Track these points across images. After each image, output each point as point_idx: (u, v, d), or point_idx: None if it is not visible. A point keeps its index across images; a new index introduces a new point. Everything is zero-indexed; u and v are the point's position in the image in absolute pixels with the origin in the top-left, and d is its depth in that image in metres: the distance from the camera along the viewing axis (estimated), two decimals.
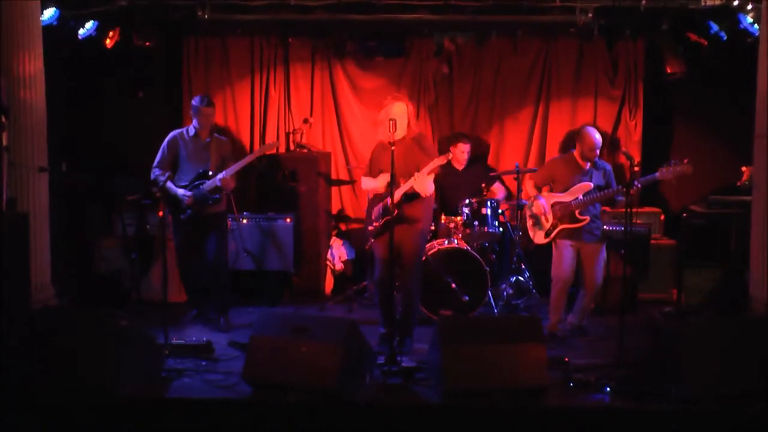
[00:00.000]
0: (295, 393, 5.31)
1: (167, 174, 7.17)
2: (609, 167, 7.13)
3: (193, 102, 7.39)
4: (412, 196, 6.44)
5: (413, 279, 6.61)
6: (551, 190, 7.16)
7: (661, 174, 6.49)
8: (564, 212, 6.92)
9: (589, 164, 6.97)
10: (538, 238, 7.12)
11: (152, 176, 7.29)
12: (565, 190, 6.97)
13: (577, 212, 6.87)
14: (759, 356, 5.26)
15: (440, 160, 6.35)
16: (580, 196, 6.87)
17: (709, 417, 5.14)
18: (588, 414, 5.35)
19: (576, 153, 7.04)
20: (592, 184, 6.89)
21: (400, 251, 6.49)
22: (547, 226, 7.02)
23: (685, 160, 6.40)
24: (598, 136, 6.92)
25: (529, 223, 7.21)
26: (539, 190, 7.22)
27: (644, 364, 5.86)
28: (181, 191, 7.20)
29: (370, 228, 6.66)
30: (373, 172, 6.69)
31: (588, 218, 6.87)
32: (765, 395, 5.15)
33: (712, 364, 5.26)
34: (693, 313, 7.46)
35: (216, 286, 7.40)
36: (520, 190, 7.67)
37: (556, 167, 7.20)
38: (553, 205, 6.99)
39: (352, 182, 9.11)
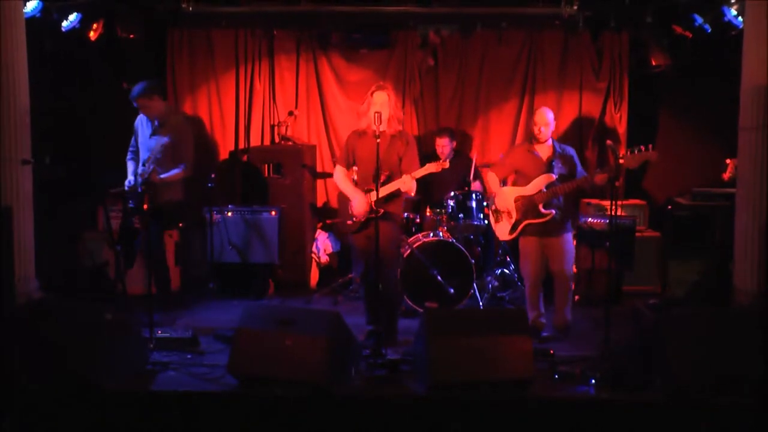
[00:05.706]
0: (281, 386, 5.31)
1: (151, 167, 6.84)
2: (571, 151, 6.95)
3: None
4: (392, 194, 6.44)
5: (393, 269, 6.60)
6: (515, 183, 7.04)
7: (625, 161, 6.25)
8: (527, 207, 6.79)
9: (547, 156, 6.80)
10: (503, 234, 6.99)
11: (127, 159, 7.10)
12: (528, 182, 6.82)
13: (540, 206, 6.74)
14: (743, 347, 5.30)
15: (433, 167, 6.32)
16: (543, 189, 6.76)
17: (693, 408, 5.16)
18: (573, 405, 5.37)
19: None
20: (554, 176, 6.75)
21: (378, 244, 6.43)
22: (512, 221, 6.90)
23: (650, 146, 6.29)
24: (546, 118, 6.77)
25: (493, 218, 7.08)
26: (504, 183, 7.12)
27: (629, 355, 5.87)
28: (127, 180, 7.00)
29: (348, 223, 6.60)
30: (348, 161, 6.66)
31: (552, 212, 6.73)
32: (749, 386, 5.18)
33: (696, 356, 5.29)
34: (678, 305, 7.47)
35: (157, 286, 7.11)
36: (504, 182, 7.65)
37: (517, 157, 7.01)
38: (516, 200, 6.86)
39: None
